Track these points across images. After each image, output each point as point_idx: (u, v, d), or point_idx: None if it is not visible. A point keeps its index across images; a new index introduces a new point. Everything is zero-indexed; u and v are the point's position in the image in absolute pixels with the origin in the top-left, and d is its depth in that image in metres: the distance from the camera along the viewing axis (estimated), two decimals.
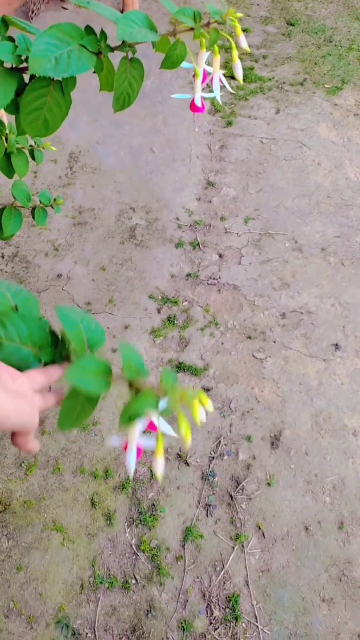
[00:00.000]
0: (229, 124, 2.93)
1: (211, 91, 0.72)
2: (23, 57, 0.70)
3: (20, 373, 0.53)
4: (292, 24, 3.69)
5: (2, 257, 2.27)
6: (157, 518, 1.68)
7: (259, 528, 1.68)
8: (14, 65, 0.71)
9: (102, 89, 0.78)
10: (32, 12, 3.35)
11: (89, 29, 0.68)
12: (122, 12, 3.52)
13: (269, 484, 1.76)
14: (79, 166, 2.63)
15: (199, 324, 2.17)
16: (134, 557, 1.61)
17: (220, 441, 1.88)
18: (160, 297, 2.24)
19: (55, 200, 1.06)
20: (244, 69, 3.26)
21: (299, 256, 2.37)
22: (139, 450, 0.51)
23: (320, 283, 2.27)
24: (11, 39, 0.75)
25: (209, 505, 1.72)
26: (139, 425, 0.50)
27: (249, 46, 3.68)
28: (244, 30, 3.79)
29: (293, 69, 3.35)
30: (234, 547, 1.65)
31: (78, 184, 2.58)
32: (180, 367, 2.04)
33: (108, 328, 2.11)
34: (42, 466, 1.75)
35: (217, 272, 2.35)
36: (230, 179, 2.75)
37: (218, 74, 0.71)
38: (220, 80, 0.71)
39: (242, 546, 1.65)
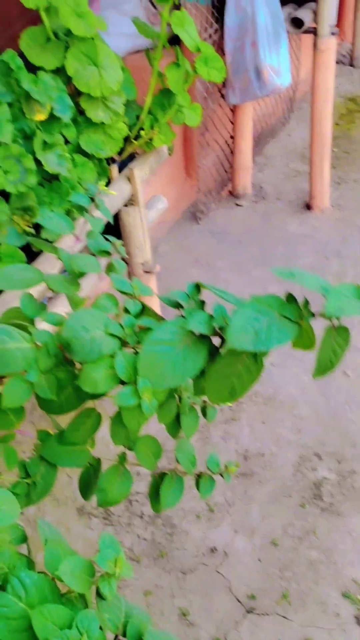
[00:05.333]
0: None
1: None
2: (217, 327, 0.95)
3: None
4: None
5: (141, 517, 2.48)
6: None
7: None
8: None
9: (295, 346, 1.00)
10: (202, 212, 4.20)
11: (290, 297, 0.92)
12: (308, 207, 4.23)
13: None
14: (247, 395, 2.93)
15: None
16: None
17: None
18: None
19: (227, 467, 1.24)
20: None
21: None
22: None
23: None
24: (202, 303, 1.03)
25: None
26: None
27: None
28: None
29: None
30: None
31: (244, 418, 2.84)
32: None
33: None
34: None
35: None
36: None
37: None
38: None
39: None
